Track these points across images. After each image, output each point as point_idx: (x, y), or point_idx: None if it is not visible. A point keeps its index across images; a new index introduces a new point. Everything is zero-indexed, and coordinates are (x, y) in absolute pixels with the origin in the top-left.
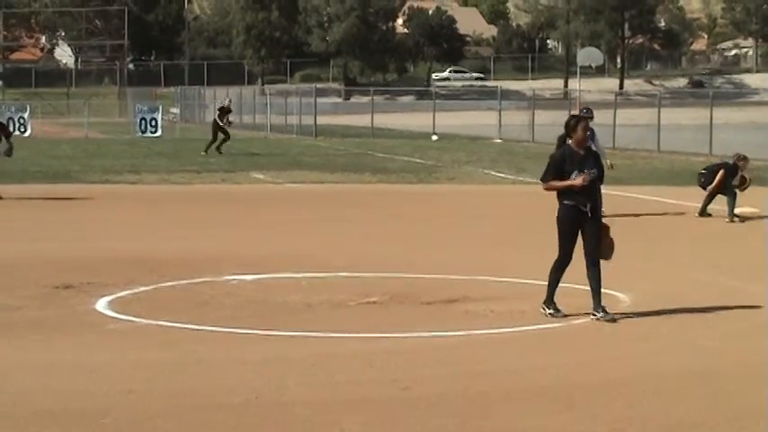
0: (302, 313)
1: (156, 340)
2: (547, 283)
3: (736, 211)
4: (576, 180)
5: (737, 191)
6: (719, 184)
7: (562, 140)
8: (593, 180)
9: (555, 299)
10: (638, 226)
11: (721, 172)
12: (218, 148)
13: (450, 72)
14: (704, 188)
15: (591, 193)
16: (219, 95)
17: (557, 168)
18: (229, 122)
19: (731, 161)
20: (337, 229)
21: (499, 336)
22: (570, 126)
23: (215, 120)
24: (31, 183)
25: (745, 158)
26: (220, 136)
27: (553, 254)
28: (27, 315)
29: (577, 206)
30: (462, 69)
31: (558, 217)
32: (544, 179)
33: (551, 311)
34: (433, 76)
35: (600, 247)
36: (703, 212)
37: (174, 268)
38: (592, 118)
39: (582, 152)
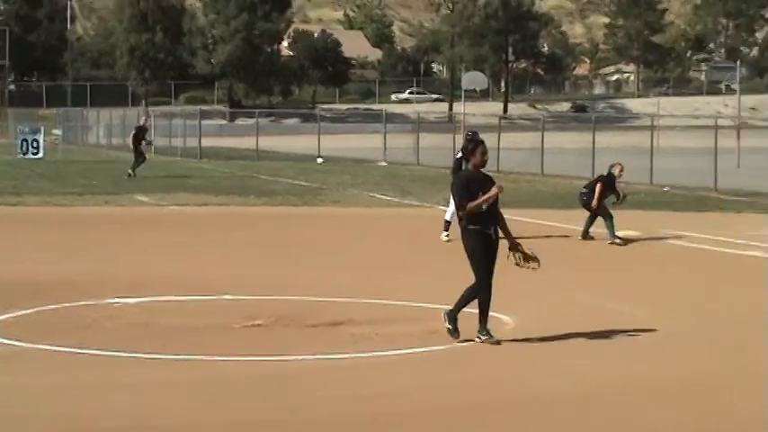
0: (187, 336)
1: (38, 365)
2: (479, 309)
3: (619, 233)
4: (493, 190)
5: (614, 208)
6: (600, 197)
7: (458, 164)
8: (494, 203)
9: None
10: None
11: (599, 185)
12: (133, 170)
13: (409, 93)
14: (587, 207)
15: (493, 217)
16: (103, 117)
17: (468, 190)
18: (148, 142)
19: (606, 172)
20: (222, 252)
21: (385, 358)
22: (469, 150)
23: (133, 139)
24: None
25: (619, 165)
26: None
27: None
28: None
29: (483, 230)
30: (422, 91)
31: (465, 244)
32: (461, 203)
33: (486, 337)
34: (393, 96)
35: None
36: (586, 235)
37: (55, 291)
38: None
39: (480, 174)
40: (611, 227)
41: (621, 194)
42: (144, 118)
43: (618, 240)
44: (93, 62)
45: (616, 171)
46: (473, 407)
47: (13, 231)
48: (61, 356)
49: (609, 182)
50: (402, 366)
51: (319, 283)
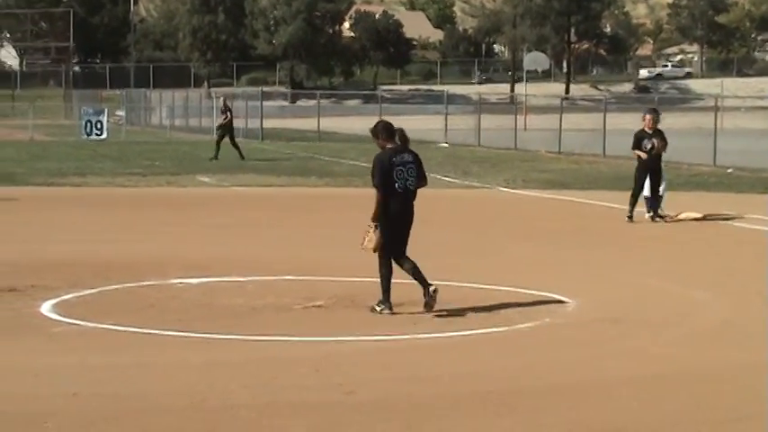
0: (247, 317)
1: (100, 343)
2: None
3: (681, 216)
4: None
5: (647, 154)
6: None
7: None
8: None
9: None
10: (583, 231)
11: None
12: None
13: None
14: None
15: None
16: (165, 98)
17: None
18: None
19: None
20: (283, 233)
21: (444, 340)
22: (390, 131)
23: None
24: None
25: (651, 111)
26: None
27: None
28: None
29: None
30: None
31: (381, 213)
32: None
33: (383, 308)
34: (644, 72)
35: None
36: (631, 215)
37: (118, 271)
38: (658, 115)
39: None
40: (653, 203)
41: (654, 145)
42: (221, 98)
43: (658, 219)
44: (156, 44)
45: (646, 119)
46: (531, 390)
47: (77, 212)
48: (124, 336)
49: (638, 137)
50: (461, 348)
51: None
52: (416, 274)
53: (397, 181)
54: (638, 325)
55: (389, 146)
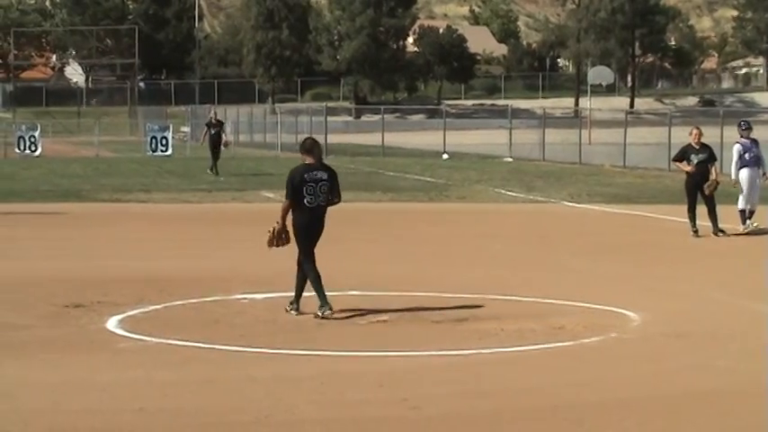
0: (312, 332)
1: (166, 359)
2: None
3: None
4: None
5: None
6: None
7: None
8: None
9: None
10: (648, 245)
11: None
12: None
13: None
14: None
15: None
16: (230, 114)
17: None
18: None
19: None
20: (347, 248)
21: (509, 354)
22: (306, 147)
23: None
24: (42, 202)
25: (695, 129)
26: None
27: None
28: (38, 334)
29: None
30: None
31: (294, 224)
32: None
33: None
34: None
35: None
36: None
37: (184, 287)
38: (750, 129)
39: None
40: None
41: (712, 182)
42: (212, 111)
43: (721, 233)
44: (221, 60)
45: (690, 138)
46: (598, 404)
47: (142, 228)
48: (189, 351)
49: (680, 155)
50: (526, 363)
51: (444, 279)
52: (300, 284)
53: (306, 196)
54: (704, 339)
55: (308, 161)
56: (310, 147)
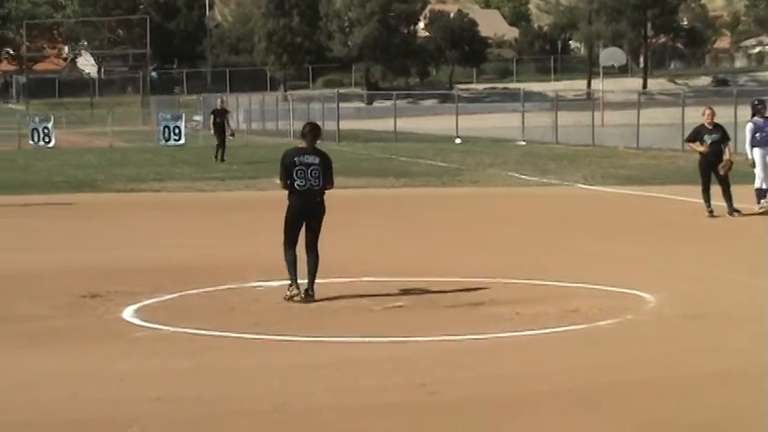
0: (328, 319)
1: (182, 348)
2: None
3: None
4: None
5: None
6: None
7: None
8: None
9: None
10: (663, 226)
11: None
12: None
13: None
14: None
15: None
16: (242, 102)
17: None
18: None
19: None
20: (361, 234)
21: (525, 338)
22: (302, 131)
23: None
24: (57, 193)
25: (708, 109)
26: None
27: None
28: (54, 324)
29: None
30: None
31: (287, 207)
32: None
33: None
34: None
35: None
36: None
37: (199, 275)
38: (765, 108)
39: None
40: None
41: (724, 161)
42: (219, 99)
43: (735, 213)
44: (232, 48)
45: (703, 118)
46: (614, 387)
47: (157, 217)
48: (205, 340)
49: (692, 136)
50: (542, 346)
51: (459, 264)
52: (311, 271)
53: (297, 180)
54: (719, 320)
55: (301, 145)
56: (305, 131)
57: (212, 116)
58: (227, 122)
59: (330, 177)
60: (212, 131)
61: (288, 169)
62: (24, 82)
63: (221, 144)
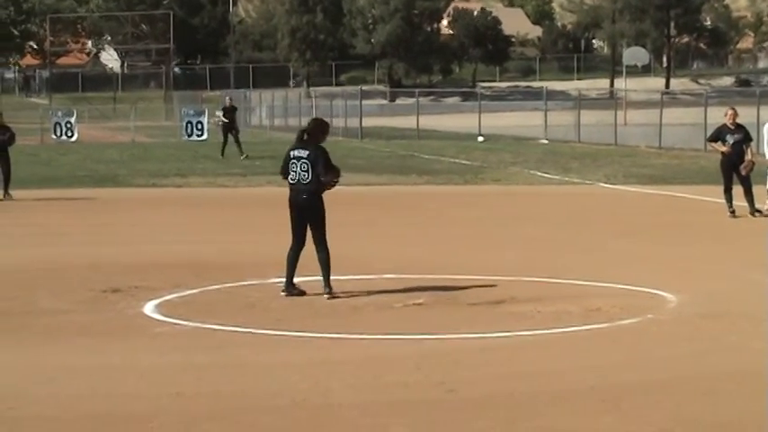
0: (348, 315)
1: (203, 343)
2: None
3: None
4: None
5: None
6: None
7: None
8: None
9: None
10: (684, 226)
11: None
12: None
13: None
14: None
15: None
16: (265, 99)
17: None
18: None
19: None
20: (382, 231)
21: (546, 336)
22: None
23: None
24: (79, 187)
25: (730, 109)
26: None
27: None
28: (75, 319)
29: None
30: None
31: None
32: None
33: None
34: None
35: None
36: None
37: (220, 271)
38: None
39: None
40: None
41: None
42: (228, 99)
43: (757, 213)
44: (255, 44)
45: (725, 119)
46: (635, 386)
47: (178, 212)
48: (226, 336)
49: (715, 136)
50: (562, 345)
51: (481, 262)
52: (325, 267)
53: (290, 173)
54: (741, 319)
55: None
56: (308, 126)
57: (222, 112)
58: (235, 120)
59: (322, 169)
60: (220, 124)
61: (285, 163)
62: (47, 76)
63: (235, 140)
